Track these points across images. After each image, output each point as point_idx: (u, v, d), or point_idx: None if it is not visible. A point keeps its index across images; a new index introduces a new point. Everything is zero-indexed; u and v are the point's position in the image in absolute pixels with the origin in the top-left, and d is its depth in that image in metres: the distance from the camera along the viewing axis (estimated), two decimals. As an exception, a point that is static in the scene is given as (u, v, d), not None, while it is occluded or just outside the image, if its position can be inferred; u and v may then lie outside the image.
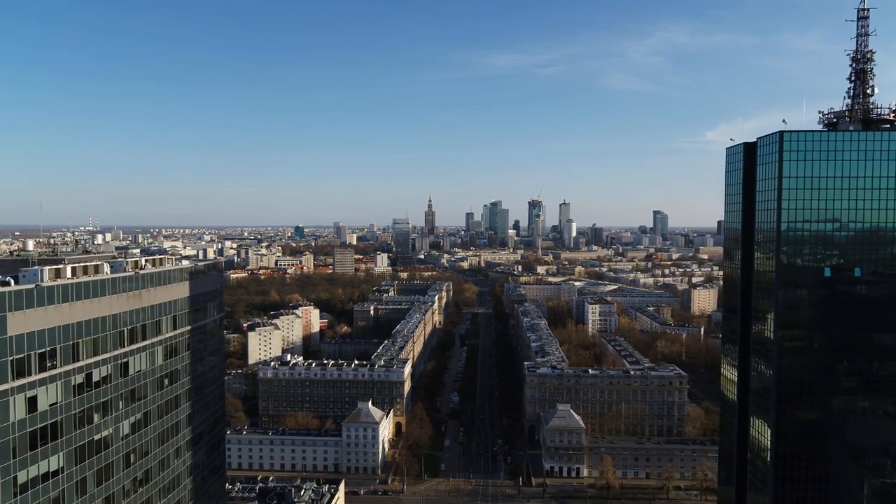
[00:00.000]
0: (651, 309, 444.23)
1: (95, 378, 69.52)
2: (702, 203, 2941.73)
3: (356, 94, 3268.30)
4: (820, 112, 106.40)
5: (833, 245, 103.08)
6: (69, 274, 67.47)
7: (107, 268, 73.84)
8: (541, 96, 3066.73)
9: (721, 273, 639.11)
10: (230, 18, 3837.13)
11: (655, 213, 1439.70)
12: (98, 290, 68.92)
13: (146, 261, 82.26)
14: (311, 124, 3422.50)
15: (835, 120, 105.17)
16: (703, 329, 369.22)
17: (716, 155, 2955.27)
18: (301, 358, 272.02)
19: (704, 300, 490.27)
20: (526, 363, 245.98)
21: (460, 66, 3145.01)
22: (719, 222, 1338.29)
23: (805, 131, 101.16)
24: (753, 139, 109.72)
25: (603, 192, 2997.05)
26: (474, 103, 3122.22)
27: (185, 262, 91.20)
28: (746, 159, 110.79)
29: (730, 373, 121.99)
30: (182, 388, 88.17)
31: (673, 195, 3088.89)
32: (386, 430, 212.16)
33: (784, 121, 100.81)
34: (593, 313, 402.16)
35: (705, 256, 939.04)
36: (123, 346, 74.39)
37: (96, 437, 69.99)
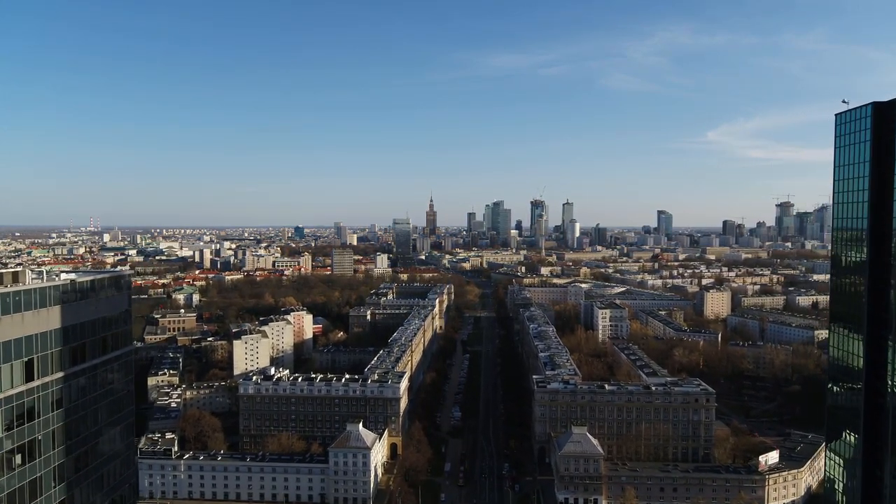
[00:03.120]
0: (662, 313, 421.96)
1: None
2: (704, 203, 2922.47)
3: (357, 93, 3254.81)
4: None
5: None
6: None
7: None
8: (542, 96, 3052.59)
9: (728, 275, 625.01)
10: (230, 18, 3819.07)
11: (659, 212, 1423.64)
12: None
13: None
14: (311, 124, 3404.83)
15: None
16: (720, 335, 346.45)
17: (717, 155, 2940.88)
18: (287, 371, 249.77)
19: (718, 303, 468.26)
20: (535, 377, 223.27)
21: (460, 66, 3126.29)
22: (724, 222, 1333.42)
23: None
24: (891, 97, 79.57)
25: (605, 191, 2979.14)
26: (475, 103, 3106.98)
27: (65, 277, 65.37)
28: (877, 127, 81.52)
29: (845, 399, 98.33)
30: (47, 465, 63.17)
31: (675, 195, 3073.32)
32: (379, 454, 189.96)
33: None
34: (603, 318, 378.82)
35: (712, 257, 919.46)
36: None
37: None
